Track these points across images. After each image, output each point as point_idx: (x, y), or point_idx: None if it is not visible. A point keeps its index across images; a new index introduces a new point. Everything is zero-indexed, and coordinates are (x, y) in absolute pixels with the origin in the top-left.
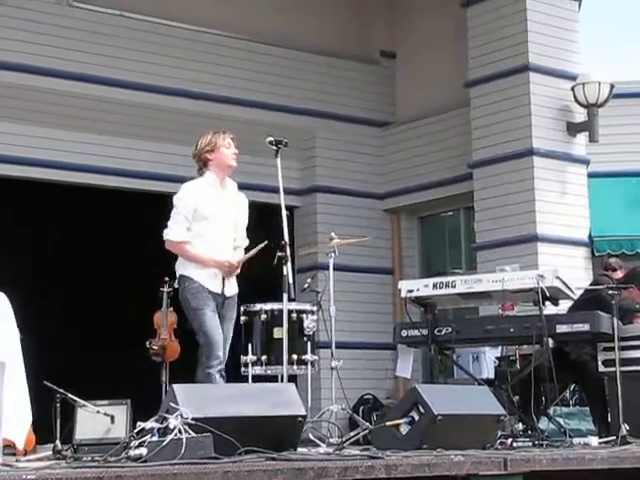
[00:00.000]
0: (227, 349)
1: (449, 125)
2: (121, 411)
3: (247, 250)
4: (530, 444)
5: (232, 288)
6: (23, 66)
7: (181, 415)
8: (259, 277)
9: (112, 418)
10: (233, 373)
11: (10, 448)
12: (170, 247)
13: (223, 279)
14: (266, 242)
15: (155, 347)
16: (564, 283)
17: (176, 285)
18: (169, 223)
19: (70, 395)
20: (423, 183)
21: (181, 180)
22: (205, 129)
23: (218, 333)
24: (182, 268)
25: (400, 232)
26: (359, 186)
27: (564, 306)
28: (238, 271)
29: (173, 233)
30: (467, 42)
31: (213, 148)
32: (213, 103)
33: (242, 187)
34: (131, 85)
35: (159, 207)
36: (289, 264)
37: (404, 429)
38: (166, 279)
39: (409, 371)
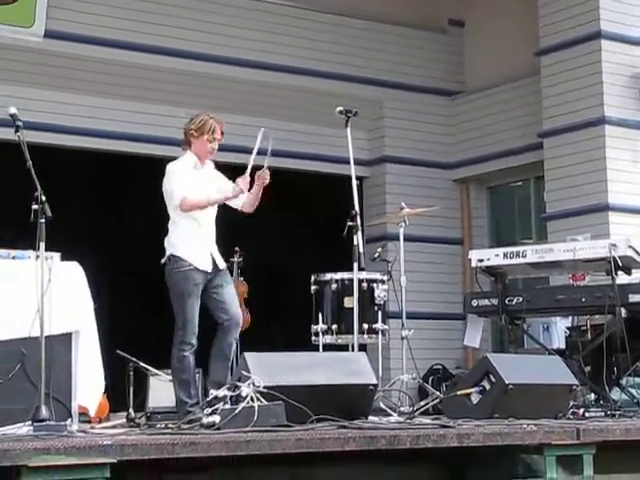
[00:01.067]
0: (236, 310)
1: (519, 94)
2: None
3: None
4: (602, 414)
5: (221, 260)
6: (75, 35)
7: (253, 383)
8: (330, 246)
9: None
10: (304, 341)
11: (84, 415)
12: (189, 208)
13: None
14: (263, 129)
15: None
16: (637, 252)
17: (162, 260)
18: (174, 193)
19: (142, 364)
20: (492, 152)
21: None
22: (275, 100)
23: (196, 321)
24: (171, 247)
25: (469, 202)
26: (428, 156)
27: (637, 275)
28: (247, 185)
29: (179, 196)
30: (537, 10)
31: (198, 134)
32: (282, 74)
33: (310, 157)
34: (195, 55)
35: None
36: (359, 234)
37: (475, 398)
38: (236, 249)
39: (478, 341)
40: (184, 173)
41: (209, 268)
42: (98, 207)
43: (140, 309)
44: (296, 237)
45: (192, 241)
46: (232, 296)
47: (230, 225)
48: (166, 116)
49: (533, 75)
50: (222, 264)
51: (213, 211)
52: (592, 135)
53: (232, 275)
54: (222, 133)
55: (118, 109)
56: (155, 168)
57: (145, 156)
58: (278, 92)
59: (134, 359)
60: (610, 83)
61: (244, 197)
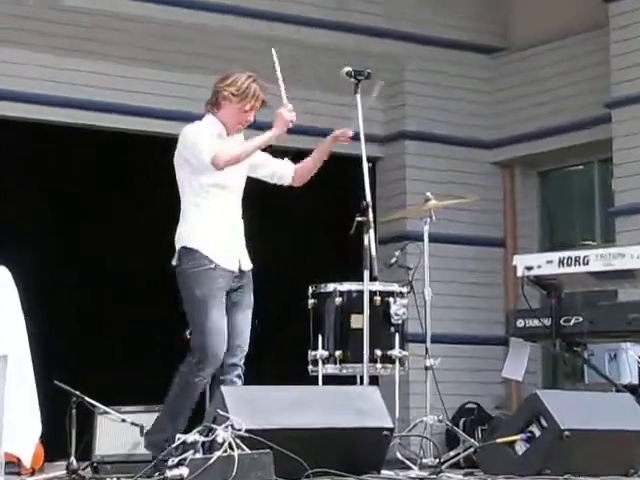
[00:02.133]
0: (246, 344)
1: (580, 51)
2: (154, 420)
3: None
4: None
5: (247, 261)
6: None
7: (232, 425)
8: (332, 249)
9: (142, 429)
10: (298, 372)
11: (14, 465)
12: (221, 163)
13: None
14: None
15: None
16: None
17: (174, 261)
18: (201, 153)
19: (88, 399)
20: (545, 127)
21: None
22: (264, 58)
23: (223, 337)
24: (186, 239)
25: (514, 192)
26: (461, 131)
27: None
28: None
29: (209, 152)
30: None
31: (238, 99)
32: (271, 23)
33: (311, 132)
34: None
35: None
36: (371, 232)
37: (521, 448)
38: None
39: (522, 372)
40: (209, 134)
41: (235, 267)
42: (35, 192)
43: (86, 327)
44: (288, 236)
45: (215, 231)
46: (246, 325)
47: None
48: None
49: (599, 27)
50: (247, 265)
51: (240, 190)
52: None
53: None
54: (263, 103)
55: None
56: (128, 145)
57: (118, 130)
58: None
59: (77, 393)
60: None
61: (288, 168)
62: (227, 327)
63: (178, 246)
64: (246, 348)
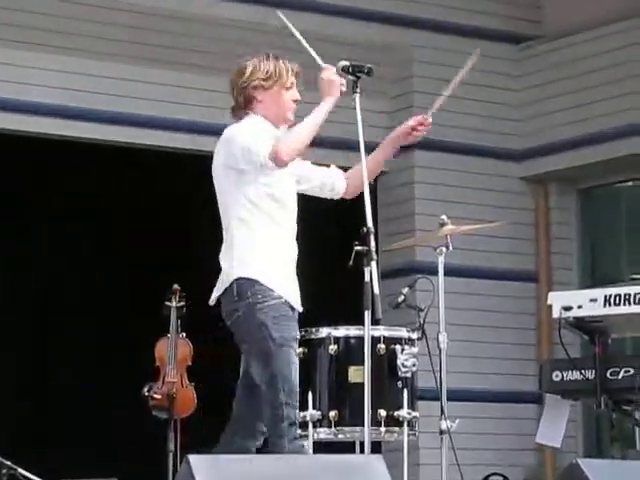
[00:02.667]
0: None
1: (629, 41)
2: None
3: None
4: None
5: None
6: None
7: None
8: (326, 285)
9: None
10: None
11: None
12: (283, 156)
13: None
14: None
15: (157, 396)
16: None
17: (218, 293)
18: (254, 150)
19: (22, 471)
20: (586, 135)
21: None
22: (249, 49)
23: (295, 392)
24: (243, 264)
25: (549, 214)
26: (482, 139)
27: None
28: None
29: (264, 147)
30: None
31: (268, 83)
32: (261, 7)
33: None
34: None
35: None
36: (374, 264)
37: None
38: (175, 287)
39: (559, 437)
40: (259, 130)
41: (299, 303)
42: None
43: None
44: None
45: (276, 258)
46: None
47: (163, 247)
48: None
49: None
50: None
51: (294, 208)
52: None
53: (168, 329)
54: (297, 74)
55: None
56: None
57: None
58: (255, 37)
59: (9, 463)
60: None
61: (339, 176)
62: None
63: (232, 276)
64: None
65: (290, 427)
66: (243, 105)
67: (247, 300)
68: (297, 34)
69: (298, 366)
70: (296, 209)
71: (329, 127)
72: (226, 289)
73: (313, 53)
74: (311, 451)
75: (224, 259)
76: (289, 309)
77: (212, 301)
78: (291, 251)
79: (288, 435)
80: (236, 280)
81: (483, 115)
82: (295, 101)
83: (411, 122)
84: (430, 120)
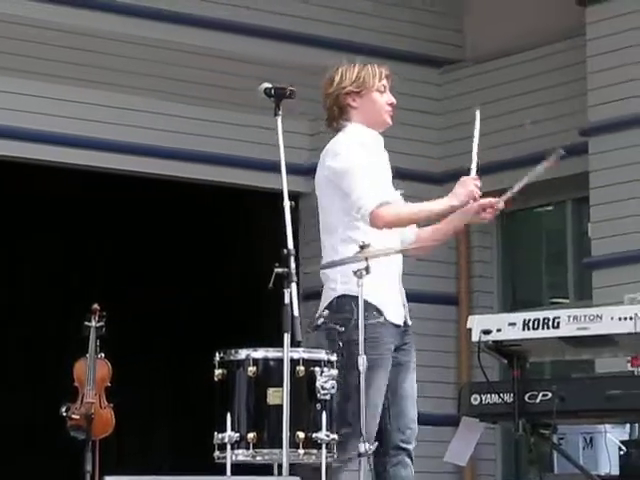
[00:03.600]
0: (414, 417)
1: (549, 66)
2: None
3: None
4: None
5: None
6: None
7: None
8: (246, 307)
9: None
10: (202, 458)
11: None
12: (393, 224)
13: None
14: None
15: (76, 416)
16: None
17: (323, 316)
18: (357, 193)
19: None
20: (507, 158)
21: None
22: (170, 71)
23: (378, 413)
24: (344, 280)
25: (469, 237)
26: (404, 162)
27: None
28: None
29: (370, 199)
30: None
31: (360, 89)
32: (180, 27)
33: (218, 161)
34: None
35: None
36: (293, 286)
37: None
38: (95, 307)
39: (466, 456)
40: (368, 155)
41: (401, 321)
42: None
43: None
44: (191, 290)
45: (379, 275)
46: (413, 391)
47: (82, 264)
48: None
49: (574, 36)
50: (408, 318)
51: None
52: None
53: (87, 350)
54: (388, 77)
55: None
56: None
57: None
58: (175, 57)
59: None
60: None
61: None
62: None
63: (335, 293)
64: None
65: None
66: (338, 115)
67: (344, 319)
68: (476, 136)
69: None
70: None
71: (253, 148)
72: (327, 308)
73: (475, 156)
74: (229, 472)
75: (326, 278)
76: (388, 328)
77: (321, 317)
78: (396, 267)
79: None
80: (339, 298)
81: (405, 138)
82: (391, 104)
83: (483, 201)
84: (501, 206)
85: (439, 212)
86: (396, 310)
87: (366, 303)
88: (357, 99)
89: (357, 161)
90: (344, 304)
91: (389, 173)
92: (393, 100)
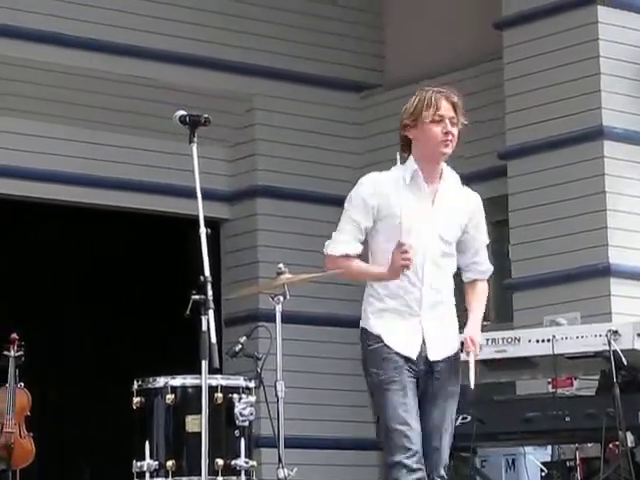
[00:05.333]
0: (446, 450)
1: (468, 89)
2: None
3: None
4: None
5: (443, 347)
6: None
7: None
8: (164, 334)
9: None
10: None
11: None
12: (329, 264)
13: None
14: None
15: None
16: None
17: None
18: (333, 234)
19: None
20: None
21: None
22: (84, 97)
23: (407, 426)
24: (363, 316)
25: None
26: (325, 187)
27: None
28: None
29: (332, 244)
30: None
31: (415, 121)
32: (94, 54)
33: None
34: None
35: None
36: (211, 313)
37: None
38: (14, 337)
39: None
40: (371, 192)
41: (415, 353)
42: None
43: None
44: (110, 317)
45: (384, 311)
46: (443, 423)
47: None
48: None
49: (492, 59)
50: (438, 353)
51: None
52: (585, 155)
53: (6, 379)
54: (456, 111)
55: None
56: None
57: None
58: (90, 84)
59: None
60: (610, 74)
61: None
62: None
63: (361, 324)
64: (445, 456)
65: (389, 469)
66: (402, 147)
67: (363, 346)
68: None
69: (406, 404)
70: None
71: (174, 174)
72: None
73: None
74: None
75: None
76: (398, 358)
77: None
78: (413, 306)
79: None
80: (361, 329)
81: (326, 163)
82: (446, 133)
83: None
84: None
85: (368, 276)
86: (409, 343)
87: (374, 336)
88: (413, 131)
89: (351, 205)
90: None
91: (429, 213)
92: (449, 129)
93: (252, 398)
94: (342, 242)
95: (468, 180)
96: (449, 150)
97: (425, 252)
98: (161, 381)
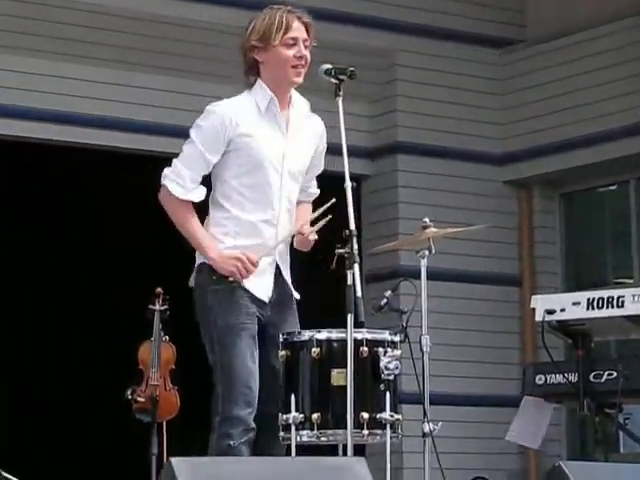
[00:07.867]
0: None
1: (615, 43)
2: None
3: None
4: None
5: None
6: None
7: None
8: (308, 288)
9: None
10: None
11: None
12: (164, 204)
13: (278, 270)
14: (333, 200)
15: (141, 399)
16: None
17: (190, 282)
18: (174, 161)
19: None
20: (569, 139)
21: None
22: (220, 52)
23: (253, 380)
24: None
25: (532, 218)
26: (466, 143)
27: None
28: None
29: (175, 178)
30: None
31: (264, 42)
32: (231, 10)
33: None
34: None
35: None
36: (356, 267)
37: None
38: (158, 290)
39: (539, 438)
40: (224, 122)
41: (267, 294)
42: None
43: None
44: None
45: (236, 241)
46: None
47: (146, 249)
48: None
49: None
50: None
51: (287, 198)
52: None
53: (152, 333)
54: (309, 32)
55: None
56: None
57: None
58: (227, 39)
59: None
60: None
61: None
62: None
63: (197, 261)
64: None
65: (221, 422)
66: (247, 71)
67: (202, 284)
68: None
69: (252, 357)
70: (289, 178)
71: None
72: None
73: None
74: (294, 453)
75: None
76: (246, 298)
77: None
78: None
79: (218, 431)
80: (200, 265)
81: (466, 119)
82: (300, 57)
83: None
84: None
85: (193, 243)
86: (261, 282)
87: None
88: (263, 54)
89: (199, 134)
90: (201, 273)
91: (282, 141)
92: (303, 53)
93: (397, 352)
94: (187, 179)
95: (596, 140)
96: (301, 79)
97: (281, 190)
98: (306, 334)
